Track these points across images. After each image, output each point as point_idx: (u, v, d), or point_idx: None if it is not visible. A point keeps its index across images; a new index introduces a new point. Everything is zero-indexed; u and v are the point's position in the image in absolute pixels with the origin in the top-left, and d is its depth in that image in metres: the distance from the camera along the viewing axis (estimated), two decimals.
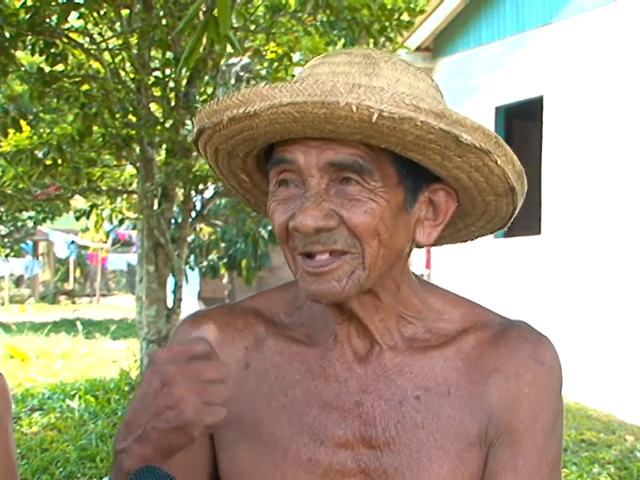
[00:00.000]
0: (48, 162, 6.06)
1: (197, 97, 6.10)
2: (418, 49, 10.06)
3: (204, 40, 2.81)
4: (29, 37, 5.24)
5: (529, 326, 1.21)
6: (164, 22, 5.71)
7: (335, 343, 1.18)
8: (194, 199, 7.23)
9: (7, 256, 18.75)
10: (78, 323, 13.76)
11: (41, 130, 6.77)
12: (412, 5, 6.42)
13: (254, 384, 1.19)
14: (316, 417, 1.15)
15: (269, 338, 1.21)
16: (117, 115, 5.95)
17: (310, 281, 1.08)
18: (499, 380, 1.16)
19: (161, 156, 6.66)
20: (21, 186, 6.43)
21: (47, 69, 5.55)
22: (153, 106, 6.39)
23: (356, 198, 1.06)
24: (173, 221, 6.86)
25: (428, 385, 1.16)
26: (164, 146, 6.34)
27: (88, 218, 7.41)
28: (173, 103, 6.03)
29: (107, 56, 5.98)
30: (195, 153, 6.40)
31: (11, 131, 5.80)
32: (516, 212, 1.18)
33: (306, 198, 1.06)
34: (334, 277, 1.07)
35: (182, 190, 6.64)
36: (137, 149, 6.36)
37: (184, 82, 6.10)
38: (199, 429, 0.94)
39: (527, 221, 8.77)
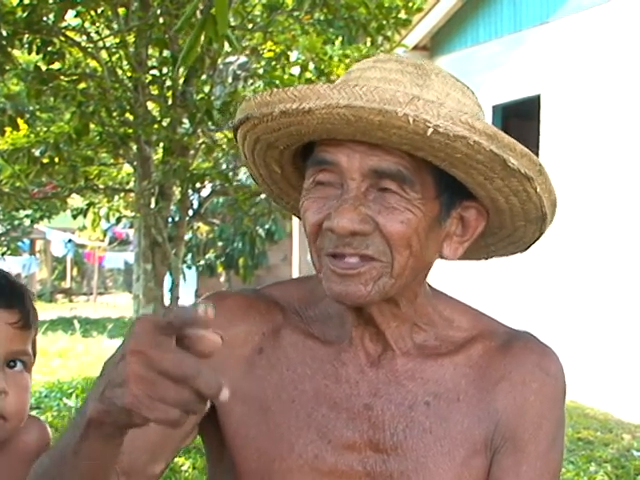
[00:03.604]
0: (45, 160, 6.05)
1: (194, 96, 6.09)
2: (415, 48, 10.06)
3: (202, 39, 2.80)
4: (26, 35, 5.23)
5: (534, 337, 1.23)
6: (161, 20, 5.70)
7: (350, 345, 1.18)
8: (191, 197, 7.23)
9: (4, 254, 18.71)
10: (75, 321, 13.73)
11: (38, 128, 6.75)
12: (409, 3, 6.41)
13: (264, 371, 1.18)
14: (325, 416, 1.15)
15: (285, 329, 1.20)
16: (114, 113, 5.94)
17: (336, 281, 1.08)
18: (506, 388, 1.17)
19: (158, 154, 6.65)
20: (18, 184, 6.42)
21: (44, 67, 5.54)
22: (150, 104, 6.38)
23: (393, 206, 1.06)
24: (170, 220, 6.85)
25: (438, 391, 1.17)
26: (161, 144, 6.33)
27: (85, 216, 7.41)
28: (170, 102, 6.02)
29: (104, 54, 5.97)
30: (192, 151, 6.40)
31: (8, 129, 5.79)
32: (539, 239, 1.20)
33: (344, 200, 1.06)
34: (361, 280, 1.07)
35: (179, 188, 6.63)
36: (134, 147, 6.35)
37: (181, 81, 6.10)
38: (141, 419, 0.84)
39: None
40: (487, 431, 1.16)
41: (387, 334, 1.16)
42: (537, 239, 1.20)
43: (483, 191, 1.10)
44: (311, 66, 6.36)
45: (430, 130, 1.00)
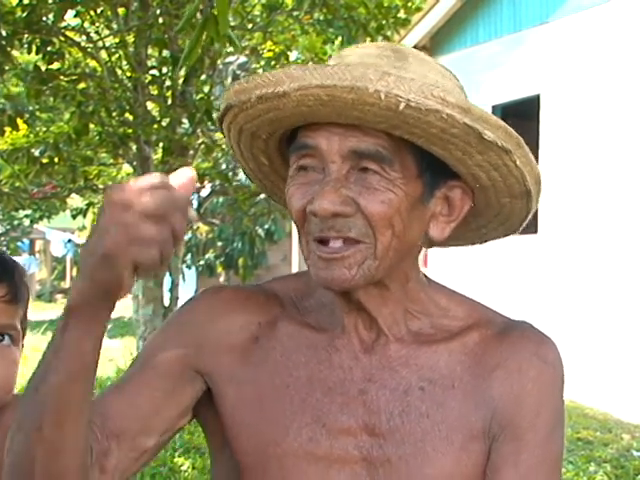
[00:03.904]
0: (45, 160, 6.05)
1: (194, 96, 6.09)
2: (415, 47, 10.04)
3: (203, 39, 2.80)
4: (26, 35, 5.23)
5: (532, 326, 1.23)
6: (161, 20, 5.70)
7: (343, 332, 1.18)
8: (191, 197, 7.22)
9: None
10: None
11: (38, 128, 6.75)
12: (409, 3, 6.41)
13: (259, 358, 1.19)
14: (319, 401, 1.16)
15: (282, 321, 1.21)
16: (114, 113, 5.94)
17: (322, 266, 1.09)
18: (502, 376, 1.17)
19: (158, 155, 6.65)
20: (18, 184, 6.42)
21: (44, 67, 5.54)
22: (150, 104, 6.38)
23: (374, 187, 1.07)
24: None
25: (433, 377, 1.16)
26: (161, 144, 6.33)
27: (85, 216, 7.42)
28: (170, 102, 6.02)
29: (104, 54, 5.97)
30: (192, 152, 6.40)
31: (8, 129, 5.79)
32: (529, 217, 1.19)
33: (325, 183, 1.07)
34: (345, 264, 1.08)
35: None
36: (134, 147, 6.35)
37: (181, 81, 6.10)
38: (124, 264, 0.91)
39: None
40: (484, 418, 1.15)
41: (380, 320, 1.17)
42: (526, 217, 1.20)
43: (463, 167, 1.10)
44: None
45: (402, 105, 1.00)
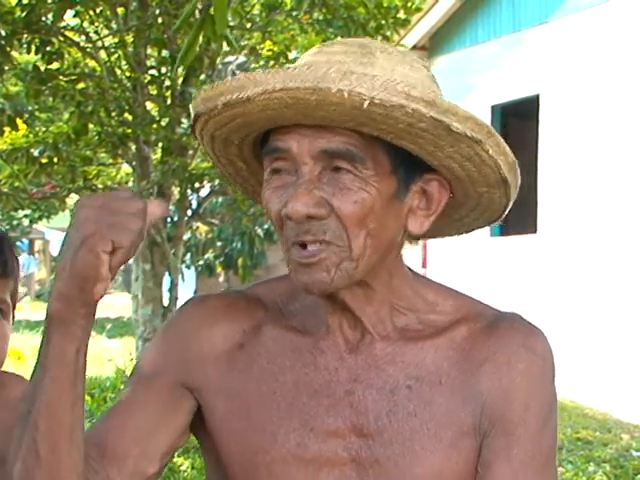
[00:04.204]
0: (44, 160, 6.05)
1: (193, 95, 6.09)
2: (414, 48, 10.05)
3: (201, 39, 2.80)
4: (25, 35, 5.23)
5: (521, 317, 1.21)
6: (160, 20, 5.70)
7: (327, 333, 1.17)
8: (190, 197, 7.23)
9: None
10: None
11: (37, 128, 6.75)
12: (408, 3, 6.41)
13: (245, 365, 1.19)
14: (306, 404, 1.15)
15: (267, 325, 1.21)
16: (113, 113, 5.94)
17: (301, 271, 1.08)
18: (491, 370, 1.16)
19: (157, 154, 6.65)
20: (17, 184, 6.42)
21: (43, 67, 5.54)
22: (149, 104, 6.38)
23: (348, 187, 1.06)
24: (169, 219, 6.86)
25: (420, 374, 1.15)
26: (160, 144, 6.33)
27: None
28: (169, 101, 6.02)
29: (103, 54, 5.97)
30: (191, 151, 6.40)
31: (7, 129, 5.79)
32: (510, 204, 1.18)
33: (298, 185, 1.06)
34: (323, 267, 1.07)
35: (178, 188, 6.63)
36: (133, 147, 6.35)
37: (180, 80, 6.10)
38: (103, 245, 0.96)
39: (523, 219, 8.77)
40: (474, 414, 1.14)
41: (364, 319, 1.16)
42: (507, 205, 1.18)
43: (436, 160, 1.09)
44: None
45: (366, 102, 1.00)
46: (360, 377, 1.16)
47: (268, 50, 6.81)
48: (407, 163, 1.09)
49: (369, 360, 1.16)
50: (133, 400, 1.17)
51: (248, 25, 6.39)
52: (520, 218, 9.00)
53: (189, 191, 6.88)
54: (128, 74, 6.11)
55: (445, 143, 1.06)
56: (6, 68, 5.46)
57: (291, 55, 6.84)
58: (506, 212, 1.20)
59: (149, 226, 1.01)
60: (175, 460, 5.19)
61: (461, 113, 1.03)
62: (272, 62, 6.63)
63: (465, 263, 9.42)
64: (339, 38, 1.21)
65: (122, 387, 7.40)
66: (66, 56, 5.76)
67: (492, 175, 1.11)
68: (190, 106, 1.14)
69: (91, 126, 5.97)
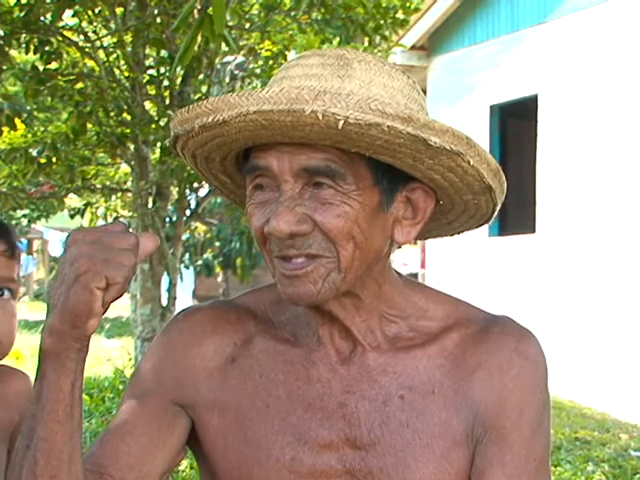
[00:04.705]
0: (42, 160, 6.04)
1: (192, 95, 6.09)
2: (413, 47, 10.06)
3: (199, 38, 2.80)
4: (23, 35, 5.23)
5: (512, 321, 1.21)
6: (159, 20, 5.69)
7: (318, 344, 1.18)
8: (189, 197, 7.22)
9: None
10: None
11: (35, 128, 6.75)
12: (407, 3, 6.41)
13: (238, 380, 1.19)
14: (300, 418, 1.15)
15: (257, 336, 1.21)
16: (111, 113, 5.93)
17: (287, 283, 1.09)
18: (483, 376, 1.16)
19: (156, 154, 6.64)
20: (15, 184, 6.41)
21: (41, 67, 5.54)
22: (148, 104, 6.37)
23: (329, 202, 1.06)
24: (168, 219, 6.85)
25: (412, 384, 1.16)
26: (159, 144, 6.32)
27: (82, 216, 7.40)
28: (168, 101, 6.02)
29: (101, 54, 5.96)
30: None
31: (5, 129, 5.78)
32: (497, 208, 1.18)
33: (280, 203, 1.06)
34: (309, 280, 1.07)
35: (177, 188, 6.63)
36: (132, 147, 6.35)
37: (179, 80, 6.09)
38: (97, 282, 0.96)
39: (522, 219, 8.78)
40: (466, 422, 1.14)
41: (353, 330, 1.16)
42: (495, 209, 1.18)
43: (417, 172, 1.09)
44: None
45: (341, 122, 0.99)
46: (353, 388, 1.16)
47: (267, 50, 6.80)
48: (390, 174, 1.09)
49: (361, 371, 1.16)
50: (127, 422, 1.17)
51: (247, 25, 6.38)
52: (519, 218, 9.02)
53: (188, 191, 6.88)
54: (126, 74, 6.10)
55: (425, 156, 1.05)
56: (4, 68, 5.45)
57: (290, 55, 6.84)
58: (495, 214, 1.20)
59: (142, 261, 1.02)
60: None
61: (438, 127, 1.03)
62: (271, 62, 6.64)
63: (464, 263, 9.42)
64: (316, 49, 1.19)
65: (120, 387, 7.40)
66: (65, 56, 5.76)
67: (476, 184, 1.11)
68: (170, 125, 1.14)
69: (90, 126, 5.96)
